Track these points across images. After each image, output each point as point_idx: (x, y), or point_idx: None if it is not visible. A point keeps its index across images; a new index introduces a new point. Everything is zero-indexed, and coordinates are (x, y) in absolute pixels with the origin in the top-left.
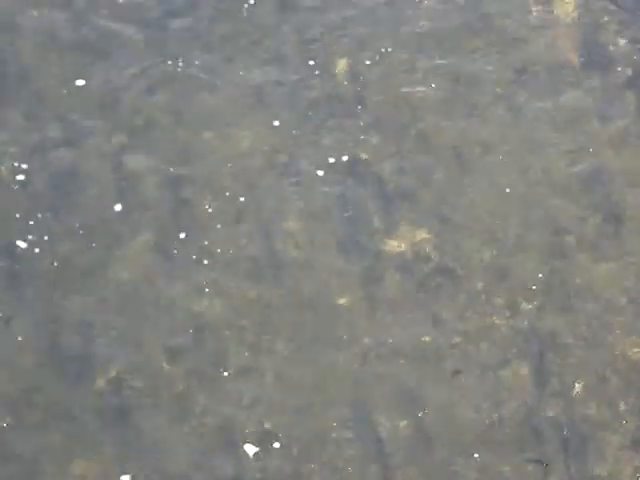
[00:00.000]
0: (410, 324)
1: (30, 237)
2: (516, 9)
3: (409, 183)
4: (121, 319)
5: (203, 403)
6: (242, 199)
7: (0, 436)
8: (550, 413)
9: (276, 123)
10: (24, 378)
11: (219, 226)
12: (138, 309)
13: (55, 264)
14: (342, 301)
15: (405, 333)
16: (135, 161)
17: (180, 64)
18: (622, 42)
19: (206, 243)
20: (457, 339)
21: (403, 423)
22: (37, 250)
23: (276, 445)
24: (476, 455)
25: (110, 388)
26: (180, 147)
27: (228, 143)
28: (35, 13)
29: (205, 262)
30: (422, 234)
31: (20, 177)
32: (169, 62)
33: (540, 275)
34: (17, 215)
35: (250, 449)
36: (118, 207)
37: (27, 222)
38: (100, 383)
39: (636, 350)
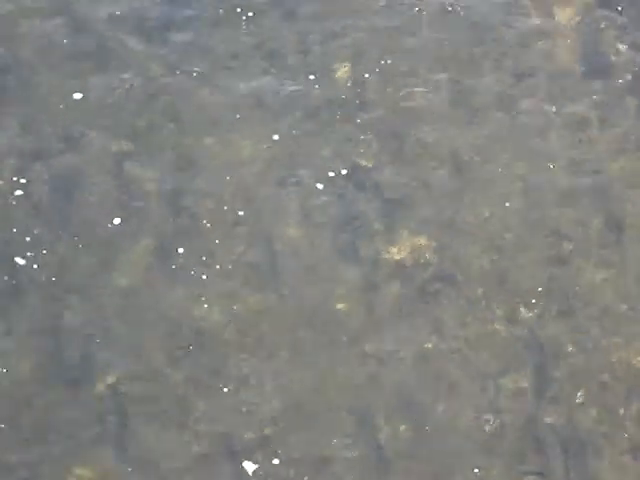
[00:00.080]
0: (410, 330)
1: (29, 254)
2: (516, 16)
3: (408, 190)
4: (120, 327)
5: (203, 409)
6: (241, 205)
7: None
8: (550, 420)
9: (276, 131)
10: (23, 385)
11: (219, 233)
12: (138, 317)
13: (54, 279)
14: (342, 308)
15: (405, 339)
16: (135, 172)
17: (179, 74)
18: (622, 48)
19: (206, 250)
20: (457, 345)
21: (402, 427)
22: (35, 266)
23: (275, 461)
24: (476, 469)
25: (109, 394)
26: (180, 157)
27: (228, 151)
28: (36, 22)
29: (205, 269)
30: (422, 240)
31: (19, 192)
32: (169, 72)
33: (540, 281)
34: (14, 230)
35: (249, 466)
36: (117, 220)
37: (24, 237)
38: (100, 388)
39: (639, 358)
